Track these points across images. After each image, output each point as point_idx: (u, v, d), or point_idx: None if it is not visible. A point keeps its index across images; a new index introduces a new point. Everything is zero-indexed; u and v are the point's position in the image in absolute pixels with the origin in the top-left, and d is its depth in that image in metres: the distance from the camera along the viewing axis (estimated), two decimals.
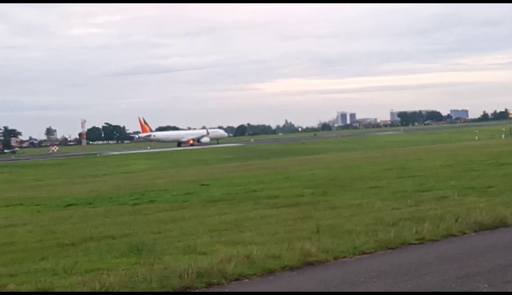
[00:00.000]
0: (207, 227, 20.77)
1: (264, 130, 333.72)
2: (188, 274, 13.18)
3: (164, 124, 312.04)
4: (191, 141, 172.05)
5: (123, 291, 12.48)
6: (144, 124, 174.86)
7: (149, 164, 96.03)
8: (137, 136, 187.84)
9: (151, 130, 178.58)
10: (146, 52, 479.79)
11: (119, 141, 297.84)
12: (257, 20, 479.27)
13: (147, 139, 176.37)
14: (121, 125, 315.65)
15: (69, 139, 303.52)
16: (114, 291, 12.44)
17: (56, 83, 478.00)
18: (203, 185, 39.93)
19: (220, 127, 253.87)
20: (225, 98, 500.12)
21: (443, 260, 14.46)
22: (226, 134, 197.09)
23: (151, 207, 29.32)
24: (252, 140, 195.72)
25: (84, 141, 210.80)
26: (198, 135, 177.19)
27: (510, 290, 11.55)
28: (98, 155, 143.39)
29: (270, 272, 14.00)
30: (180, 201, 30.94)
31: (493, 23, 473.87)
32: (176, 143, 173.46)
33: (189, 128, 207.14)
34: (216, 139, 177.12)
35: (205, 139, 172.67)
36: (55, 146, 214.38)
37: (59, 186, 55.42)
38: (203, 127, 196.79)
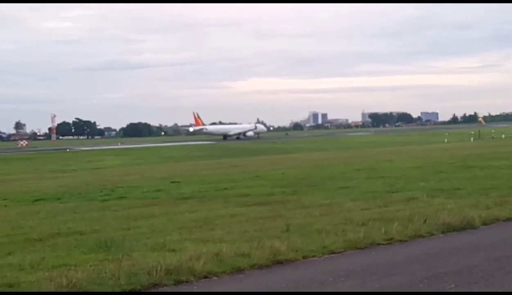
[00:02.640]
0: (176, 224, 20.71)
1: None
2: (156, 271, 13.11)
3: (136, 121, 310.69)
4: (237, 133, 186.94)
5: (91, 289, 12.37)
6: (197, 119, 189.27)
7: (119, 160, 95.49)
8: (191, 129, 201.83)
9: (203, 124, 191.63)
10: (119, 48, 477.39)
11: (90, 137, 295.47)
12: (231, 18, 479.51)
13: (200, 132, 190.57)
14: (92, 121, 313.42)
15: (38, 133, 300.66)
16: (82, 287, 12.33)
17: (27, 77, 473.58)
18: (174, 182, 39.79)
19: (192, 124, 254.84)
20: (198, 95, 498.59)
21: (411, 261, 14.57)
22: (265, 129, 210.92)
23: (120, 203, 29.16)
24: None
25: (54, 136, 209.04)
26: (245, 130, 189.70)
27: (475, 290, 11.66)
28: (68, 150, 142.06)
29: (239, 270, 13.98)
30: (150, 198, 30.81)
31: (465, 27, 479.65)
32: (222, 136, 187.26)
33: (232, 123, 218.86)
34: (257, 134, 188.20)
35: (250, 133, 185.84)
36: (24, 141, 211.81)
37: (28, 180, 54.86)
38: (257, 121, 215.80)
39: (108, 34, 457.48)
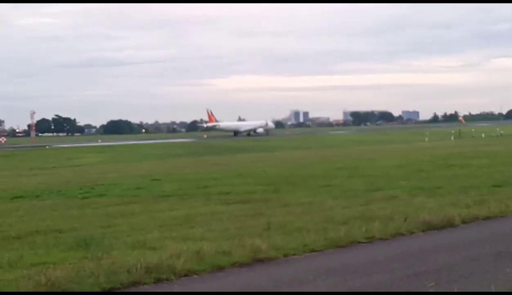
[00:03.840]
0: (157, 222, 20.62)
1: None
2: (136, 269, 13.03)
3: (116, 118, 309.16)
4: (248, 130, 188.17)
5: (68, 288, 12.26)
6: (211, 115, 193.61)
7: (100, 157, 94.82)
8: (205, 125, 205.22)
9: (216, 121, 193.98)
10: (100, 44, 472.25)
11: (69, 134, 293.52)
12: (212, 15, 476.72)
13: (214, 128, 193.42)
14: (72, 118, 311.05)
15: (17, 130, 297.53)
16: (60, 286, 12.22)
17: (6, 73, 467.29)
18: (155, 179, 39.62)
19: (173, 122, 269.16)
20: (179, 93, 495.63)
21: (392, 259, 14.61)
22: (274, 126, 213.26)
23: (100, 201, 28.95)
24: (205, 136, 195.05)
25: (33, 133, 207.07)
26: (255, 127, 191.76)
27: (455, 289, 11.70)
28: (47, 147, 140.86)
29: (220, 268, 13.95)
30: (130, 196, 30.63)
31: (446, 26, 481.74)
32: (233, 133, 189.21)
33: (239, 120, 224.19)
34: (267, 131, 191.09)
35: (260, 130, 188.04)
36: (2, 137, 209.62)
37: (6, 177, 54.28)
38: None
39: (89, 31, 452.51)
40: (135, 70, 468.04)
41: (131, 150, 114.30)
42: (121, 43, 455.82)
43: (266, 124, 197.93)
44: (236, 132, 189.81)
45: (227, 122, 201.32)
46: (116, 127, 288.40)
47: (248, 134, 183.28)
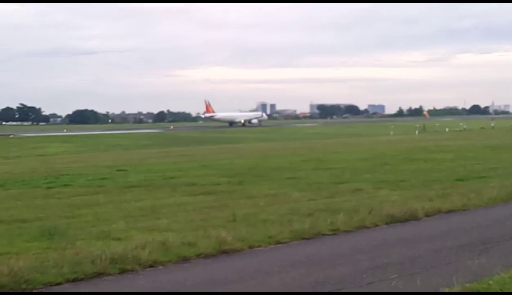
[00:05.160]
0: (122, 213, 20.56)
1: (184, 117, 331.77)
2: (101, 259, 12.99)
3: (82, 108, 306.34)
4: (243, 121, 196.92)
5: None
6: (208, 106, 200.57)
7: (65, 147, 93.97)
8: (203, 116, 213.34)
9: (213, 111, 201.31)
10: (67, 33, 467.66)
11: (35, 123, 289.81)
12: (181, 6, 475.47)
13: (211, 119, 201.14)
14: (37, 107, 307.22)
15: None
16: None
17: None
18: (120, 170, 39.36)
19: (140, 113, 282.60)
20: (146, 83, 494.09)
21: (356, 251, 14.77)
22: (267, 117, 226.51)
23: (65, 191, 28.70)
24: (171, 127, 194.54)
25: None
26: (250, 117, 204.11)
27: (418, 281, 11.87)
28: (11, 136, 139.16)
29: (185, 259, 13.98)
30: (95, 186, 30.41)
31: (412, 21, 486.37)
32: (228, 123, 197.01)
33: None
34: (260, 122, 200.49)
35: (254, 121, 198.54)
36: None
37: None
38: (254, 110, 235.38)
39: (55, 19, 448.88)
40: (102, 60, 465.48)
41: (97, 140, 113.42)
42: (88, 32, 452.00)
43: (262, 115, 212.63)
44: (231, 123, 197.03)
45: (223, 113, 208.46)
46: (82, 117, 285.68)
47: (243, 125, 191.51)
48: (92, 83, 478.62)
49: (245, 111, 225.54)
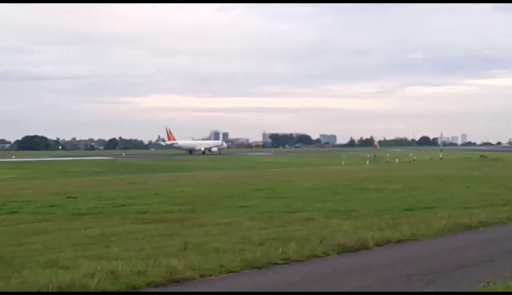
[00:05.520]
0: (71, 241, 20.20)
1: (136, 144, 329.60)
2: (48, 288, 12.72)
3: (32, 133, 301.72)
4: (203, 149, 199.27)
5: None
6: (169, 134, 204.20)
7: (14, 173, 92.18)
8: (163, 143, 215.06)
9: (174, 139, 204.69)
10: (15, 58, 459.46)
11: None
12: (134, 33, 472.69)
13: (172, 147, 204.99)
14: None
15: None
16: None
17: None
18: (70, 197, 38.75)
19: (91, 139, 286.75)
20: (98, 110, 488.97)
21: (307, 280, 14.78)
22: (226, 145, 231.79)
23: (12, 218, 28.13)
24: (123, 154, 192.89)
25: None
26: (210, 146, 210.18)
27: None
28: None
29: (135, 288, 13.77)
30: (44, 213, 29.87)
31: (362, 54, 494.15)
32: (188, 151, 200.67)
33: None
34: (220, 150, 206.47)
35: (215, 149, 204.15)
36: None
37: None
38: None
39: (4, 43, 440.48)
40: (53, 86, 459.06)
41: (46, 167, 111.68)
42: (39, 57, 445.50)
43: (222, 144, 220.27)
44: (191, 151, 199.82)
45: (184, 141, 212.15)
46: (32, 143, 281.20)
47: (203, 153, 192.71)
48: (42, 108, 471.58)
49: (198, 139, 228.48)
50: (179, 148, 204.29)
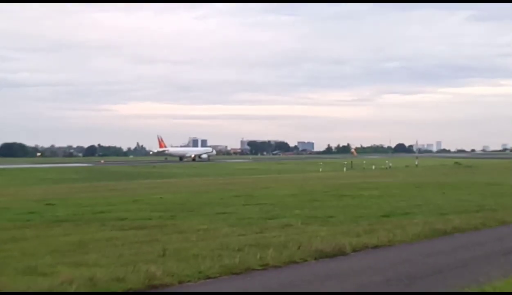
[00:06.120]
0: (49, 248, 20.16)
1: (115, 152, 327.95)
2: None
3: (10, 141, 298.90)
4: (193, 156, 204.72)
5: None
6: (161, 141, 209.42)
7: None
8: (155, 150, 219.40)
9: (165, 146, 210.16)
10: None
11: None
12: (113, 41, 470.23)
13: (163, 154, 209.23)
14: None
15: None
16: None
17: None
18: (49, 204, 38.59)
19: (70, 147, 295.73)
20: (76, 117, 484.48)
21: (285, 286, 14.94)
22: (215, 153, 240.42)
23: None
24: (102, 161, 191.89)
25: None
26: (200, 153, 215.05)
27: None
28: None
29: None
30: (22, 220, 29.71)
31: (339, 62, 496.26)
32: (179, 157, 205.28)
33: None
34: (209, 157, 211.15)
35: (204, 156, 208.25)
36: None
37: None
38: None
39: None
40: (31, 93, 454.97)
41: (25, 173, 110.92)
42: (16, 65, 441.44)
43: (212, 151, 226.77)
44: (181, 158, 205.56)
45: (175, 148, 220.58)
46: (10, 150, 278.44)
47: (193, 160, 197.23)
48: (20, 116, 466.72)
49: (177, 147, 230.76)
50: (170, 154, 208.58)
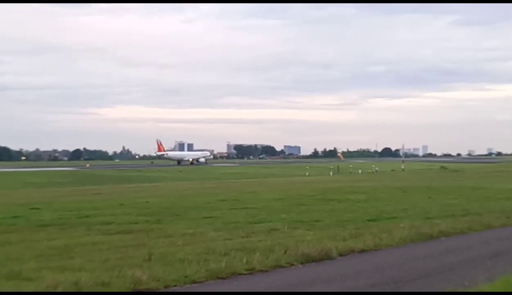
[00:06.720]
0: (34, 252, 20.02)
1: (100, 155, 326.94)
2: None
3: None
4: (191, 160, 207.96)
5: None
6: (160, 145, 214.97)
7: None
8: (154, 154, 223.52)
9: (164, 150, 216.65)
10: None
11: None
12: (99, 44, 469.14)
13: (162, 157, 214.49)
14: None
15: None
16: None
17: None
18: (33, 208, 38.34)
19: (55, 150, 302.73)
20: (62, 120, 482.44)
21: (271, 290, 14.92)
22: (212, 156, 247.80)
23: None
24: (87, 165, 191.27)
25: None
26: (198, 156, 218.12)
27: None
28: None
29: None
30: (6, 225, 29.49)
31: (326, 66, 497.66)
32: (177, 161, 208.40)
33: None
34: (206, 160, 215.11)
35: (202, 160, 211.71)
36: None
37: None
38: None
39: None
40: (16, 96, 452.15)
41: (9, 177, 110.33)
42: (0, 67, 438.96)
43: (210, 155, 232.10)
44: (179, 161, 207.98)
45: (174, 152, 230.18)
46: None
47: (191, 163, 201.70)
48: (4, 119, 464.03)
49: (170, 150, 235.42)
50: (169, 158, 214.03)
